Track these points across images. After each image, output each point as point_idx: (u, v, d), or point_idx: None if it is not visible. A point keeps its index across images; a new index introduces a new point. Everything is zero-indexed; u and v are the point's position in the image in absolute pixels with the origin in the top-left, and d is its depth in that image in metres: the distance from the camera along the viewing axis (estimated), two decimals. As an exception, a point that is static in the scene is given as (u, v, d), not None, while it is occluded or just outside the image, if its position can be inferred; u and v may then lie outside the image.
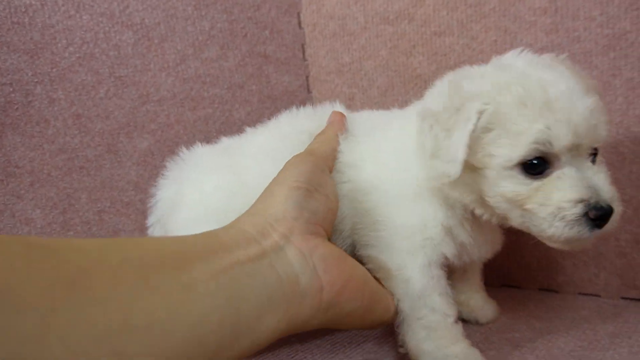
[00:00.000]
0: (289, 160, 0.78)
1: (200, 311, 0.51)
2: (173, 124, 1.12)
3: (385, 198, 0.81)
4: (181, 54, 1.14)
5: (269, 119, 1.27)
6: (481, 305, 1.00)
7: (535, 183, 0.71)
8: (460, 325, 0.81)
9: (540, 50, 1.10)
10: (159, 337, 0.47)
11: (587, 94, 0.71)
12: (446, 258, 0.82)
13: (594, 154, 0.74)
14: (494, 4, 1.14)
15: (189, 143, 1.13)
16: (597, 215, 0.70)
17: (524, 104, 0.70)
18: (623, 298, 1.05)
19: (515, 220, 0.75)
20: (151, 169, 1.06)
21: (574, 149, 0.71)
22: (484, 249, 0.87)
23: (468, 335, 0.87)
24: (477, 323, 0.99)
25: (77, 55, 1.01)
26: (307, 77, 1.35)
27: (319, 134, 0.88)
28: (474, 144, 0.72)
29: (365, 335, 0.97)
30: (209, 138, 1.17)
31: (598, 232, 0.71)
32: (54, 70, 0.99)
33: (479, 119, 0.71)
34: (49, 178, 0.95)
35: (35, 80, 0.96)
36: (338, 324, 0.72)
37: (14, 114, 0.94)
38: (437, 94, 0.79)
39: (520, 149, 0.70)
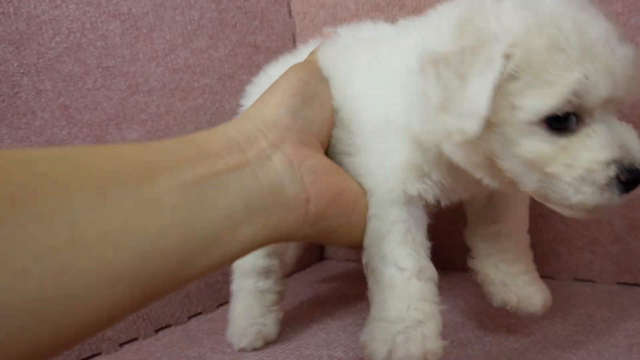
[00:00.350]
0: (287, 69, 0.73)
1: (160, 225, 0.48)
2: (163, 114, 1.10)
3: (358, 127, 0.74)
4: (170, 44, 1.12)
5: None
6: (523, 290, 0.81)
7: (562, 141, 0.61)
8: (429, 286, 0.70)
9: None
10: (111, 252, 0.44)
11: (623, 41, 0.62)
12: (421, 197, 0.73)
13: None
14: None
15: (179, 134, 1.12)
16: (629, 178, 0.61)
17: (559, 48, 0.59)
18: (619, 283, 1.05)
19: (529, 186, 0.64)
20: (141, 160, 1.05)
21: (609, 103, 0.62)
22: (472, 187, 0.74)
23: (462, 324, 0.87)
24: (520, 312, 0.81)
25: (64, 45, 1.00)
26: (298, 66, 1.34)
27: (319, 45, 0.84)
28: (495, 94, 0.60)
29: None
30: (199, 129, 1.16)
31: (626, 197, 0.62)
32: (41, 61, 0.97)
33: (505, 64, 0.59)
34: (37, 170, 0.94)
35: (22, 71, 0.95)
36: (327, 239, 0.68)
37: (0, 105, 0.92)
38: (440, 30, 0.65)
39: (552, 100, 0.59)
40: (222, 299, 1.15)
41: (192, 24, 1.16)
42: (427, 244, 0.73)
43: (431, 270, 0.71)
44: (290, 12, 1.33)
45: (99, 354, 0.98)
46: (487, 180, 0.67)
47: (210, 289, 1.15)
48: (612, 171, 0.60)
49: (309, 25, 1.31)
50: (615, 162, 0.60)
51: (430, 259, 0.72)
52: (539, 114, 0.60)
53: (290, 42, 1.33)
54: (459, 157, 0.66)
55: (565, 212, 0.65)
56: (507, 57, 0.59)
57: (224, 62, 1.21)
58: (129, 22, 1.07)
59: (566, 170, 0.61)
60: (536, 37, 0.60)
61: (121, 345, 1.00)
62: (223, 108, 1.20)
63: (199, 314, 1.12)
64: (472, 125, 0.60)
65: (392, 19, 1.20)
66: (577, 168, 0.60)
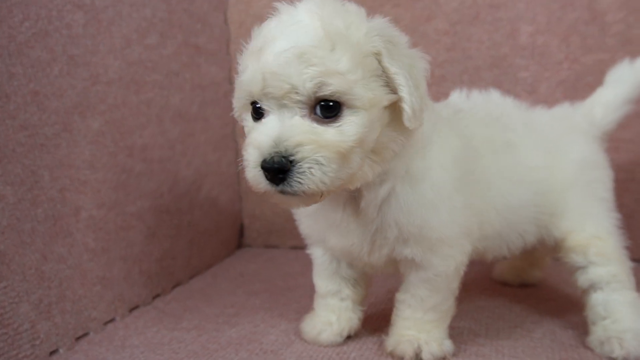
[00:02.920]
0: None
1: None
2: (120, 105, 1.14)
3: None
4: (127, 38, 1.17)
5: (199, 107, 1.35)
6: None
7: (252, 125, 0.76)
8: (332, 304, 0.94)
9: (442, 63, 1.34)
10: None
11: (310, 43, 0.70)
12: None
13: (330, 107, 0.72)
14: (407, 22, 1.34)
15: (134, 126, 1.16)
16: (265, 166, 0.70)
17: (249, 48, 0.76)
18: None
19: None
20: (102, 148, 1.08)
21: (273, 97, 0.71)
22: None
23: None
24: None
25: (33, 31, 1.00)
26: (230, 70, 1.44)
27: None
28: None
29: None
30: (149, 122, 1.21)
31: (284, 188, 0.70)
32: (12, 44, 0.97)
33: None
34: (14, 154, 0.94)
35: (-7, 53, 0.94)
36: None
37: (-26, 86, 0.91)
38: None
39: (237, 94, 0.77)
40: (175, 282, 1.23)
41: (146, 21, 1.21)
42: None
43: None
44: (226, 20, 1.42)
45: (87, 334, 1.02)
46: None
47: (165, 272, 1.21)
48: (253, 156, 0.72)
49: (245, 34, 1.39)
50: (261, 149, 0.71)
51: None
52: (239, 102, 0.77)
53: (226, 46, 1.43)
54: None
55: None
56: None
57: (171, 59, 1.27)
58: (91, 14, 1.10)
59: (245, 150, 0.74)
60: (246, 49, 0.77)
61: (105, 324, 1.05)
62: (169, 103, 1.26)
63: (158, 295, 1.18)
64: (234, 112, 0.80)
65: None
66: (246, 147, 0.74)
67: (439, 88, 1.35)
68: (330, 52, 0.70)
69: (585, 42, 1.27)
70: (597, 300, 0.92)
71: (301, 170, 0.70)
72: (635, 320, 0.90)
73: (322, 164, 0.70)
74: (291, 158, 0.70)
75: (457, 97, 0.99)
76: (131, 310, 1.10)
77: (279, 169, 0.69)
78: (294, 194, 0.71)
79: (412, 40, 1.32)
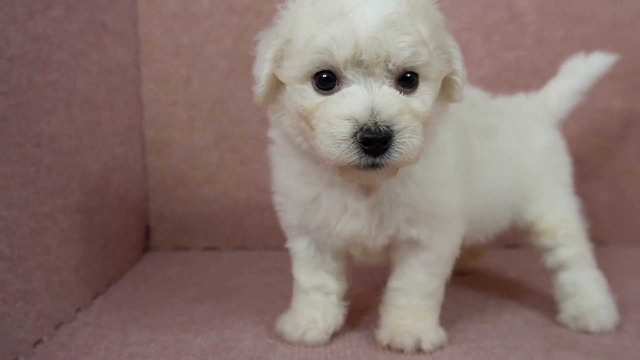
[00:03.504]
0: None
1: None
2: (24, 87, 0.96)
3: None
4: (30, 9, 0.99)
5: (106, 93, 1.19)
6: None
7: (321, 98, 0.70)
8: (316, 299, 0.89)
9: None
10: None
11: (398, 11, 0.68)
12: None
13: (408, 78, 0.71)
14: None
15: (41, 112, 0.99)
16: (363, 138, 0.66)
17: (317, 13, 0.70)
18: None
19: (311, 142, 0.72)
20: (8, 137, 0.90)
21: (360, 64, 0.68)
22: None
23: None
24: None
25: None
26: (137, 54, 1.29)
27: None
28: (280, 57, 0.73)
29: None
30: (57, 108, 1.04)
31: (372, 160, 0.68)
32: None
33: (278, 29, 0.74)
34: None
35: None
36: None
37: None
38: None
39: (305, 59, 0.69)
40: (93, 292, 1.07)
41: (50, -10, 1.04)
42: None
43: None
44: (134, -4, 1.27)
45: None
46: (305, 145, 0.76)
47: (82, 281, 1.04)
48: (346, 127, 0.67)
49: (154, 14, 1.28)
50: (356, 120, 0.67)
51: None
52: (298, 70, 0.71)
53: (133, 27, 1.28)
54: (284, 126, 0.78)
55: (330, 167, 0.73)
56: (280, 20, 0.75)
57: (77, 37, 1.10)
58: (-10, -24, 0.92)
59: (318, 123, 0.69)
60: (303, 6, 0.72)
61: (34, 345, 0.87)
62: (76, 87, 1.09)
63: (80, 309, 1.01)
64: (258, 88, 0.75)
65: (246, 26, 1.28)
66: (323, 121, 0.69)
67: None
68: (415, 21, 0.69)
69: (505, 41, 1.33)
70: (565, 280, 0.97)
71: (402, 140, 0.67)
72: (604, 296, 0.95)
73: (418, 134, 0.68)
74: (393, 127, 0.67)
75: None
76: (56, 327, 0.93)
77: (384, 138, 0.66)
78: (385, 166, 0.68)
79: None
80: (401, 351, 0.84)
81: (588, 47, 1.20)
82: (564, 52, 1.30)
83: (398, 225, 0.81)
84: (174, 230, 1.37)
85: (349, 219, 0.81)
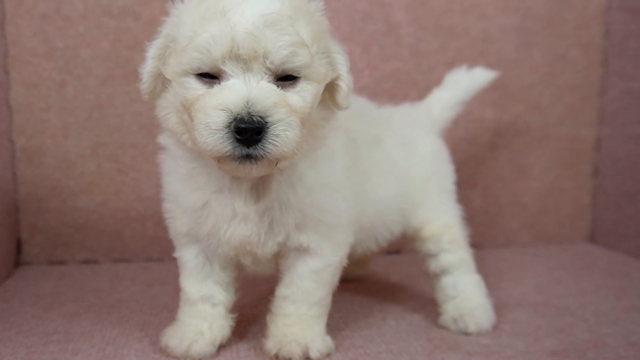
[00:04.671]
0: None
1: None
2: None
3: None
4: None
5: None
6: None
7: (203, 89, 0.72)
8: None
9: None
10: None
11: (280, 13, 0.70)
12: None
13: (287, 77, 0.73)
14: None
15: None
16: (237, 127, 0.68)
17: (201, 12, 0.72)
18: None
19: (192, 134, 0.73)
20: None
21: (239, 59, 0.70)
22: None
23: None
24: None
25: None
26: (5, 56, 1.21)
27: None
28: (166, 54, 0.76)
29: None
30: None
31: (253, 152, 0.69)
32: None
33: (165, 28, 0.77)
34: None
35: None
36: None
37: None
38: None
39: (185, 56, 0.71)
40: None
41: None
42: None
43: None
44: (1, -5, 1.20)
45: None
46: (190, 143, 0.77)
47: None
48: (221, 117, 0.69)
49: (24, 14, 1.21)
50: (230, 110, 0.69)
51: None
52: (178, 66, 0.72)
53: (0, 28, 1.20)
54: (171, 124, 0.78)
55: (208, 158, 0.74)
56: (164, 35, 0.76)
57: None
58: None
59: (196, 114, 0.71)
60: (190, 12, 0.73)
61: None
62: None
63: None
64: (142, 85, 0.78)
65: (124, 29, 1.25)
66: (201, 112, 0.70)
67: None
68: (296, 23, 0.71)
69: (383, 52, 1.37)
70: (448, 283, 1.00)
71: (276, 132, 0.69)
72: (483, 298, 0.99)
73: (294, 128, 0.70)
74: (267, 119, 0.68)
75: None
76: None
77: (257, 128, 0.68)
78: (260, 159, 0.70)
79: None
80: None
81: (460, 60, 1.28)
82: (438, 64, 1.39)
83: (288, 231, 0.82)
84: (48, 243, 1.29)
85: (239, 224, 0.80)
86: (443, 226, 1.01)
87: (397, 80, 1.38)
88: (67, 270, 1.27)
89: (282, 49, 0.70)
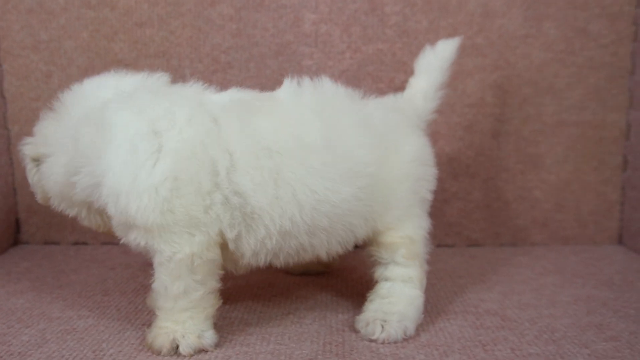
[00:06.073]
0: None
1: None
2: None
3: None
4: None
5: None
6: None
7: None
8: None
9: (227, 49, 1.30)
10: None
11: None
12: None
13: None
14: (190, 6, 1.28)
15: None
16: None
17: None
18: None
19: None
20: None
21: None
22: None
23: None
24: None
25: None
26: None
27: None
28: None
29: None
30: None
31: None
32: None
33: None
34: None
35: None
36: None
37: None
38: None
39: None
40: None
41: None
42: None
43: None
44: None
45: None
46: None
47: None
48: None
49: (12, 10, 1.28)
50: None
51: None
52: None
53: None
54: None
55: None
56: None
57: None
58: None
59: None
60: None
61: None
62: None
63: None
64: None
65: (101, 19, 1.28)
66: None
67: (225, 75, 1.30)
68: None
69: (366, 32, 1.28)
70: (385, 285, 0.93)
71: None
72: (407, 307, 0.91)
73: None
74: None
75: (287, 85, 0.92)
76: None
77: None
78: None
79: (196, 25, 1.28)
80: (159, 353, 0.83)
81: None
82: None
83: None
84: (43, 224, 1.38)
85: None
86: (405, 237, 0.92)
87: (382, 63, 1.28)
88: (55, 251, 1.35)
89: None
